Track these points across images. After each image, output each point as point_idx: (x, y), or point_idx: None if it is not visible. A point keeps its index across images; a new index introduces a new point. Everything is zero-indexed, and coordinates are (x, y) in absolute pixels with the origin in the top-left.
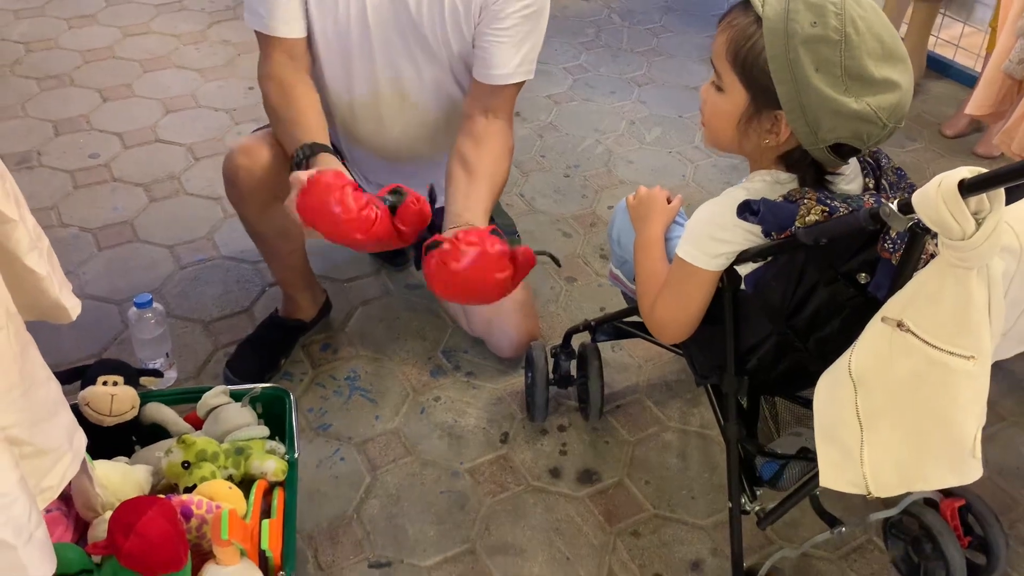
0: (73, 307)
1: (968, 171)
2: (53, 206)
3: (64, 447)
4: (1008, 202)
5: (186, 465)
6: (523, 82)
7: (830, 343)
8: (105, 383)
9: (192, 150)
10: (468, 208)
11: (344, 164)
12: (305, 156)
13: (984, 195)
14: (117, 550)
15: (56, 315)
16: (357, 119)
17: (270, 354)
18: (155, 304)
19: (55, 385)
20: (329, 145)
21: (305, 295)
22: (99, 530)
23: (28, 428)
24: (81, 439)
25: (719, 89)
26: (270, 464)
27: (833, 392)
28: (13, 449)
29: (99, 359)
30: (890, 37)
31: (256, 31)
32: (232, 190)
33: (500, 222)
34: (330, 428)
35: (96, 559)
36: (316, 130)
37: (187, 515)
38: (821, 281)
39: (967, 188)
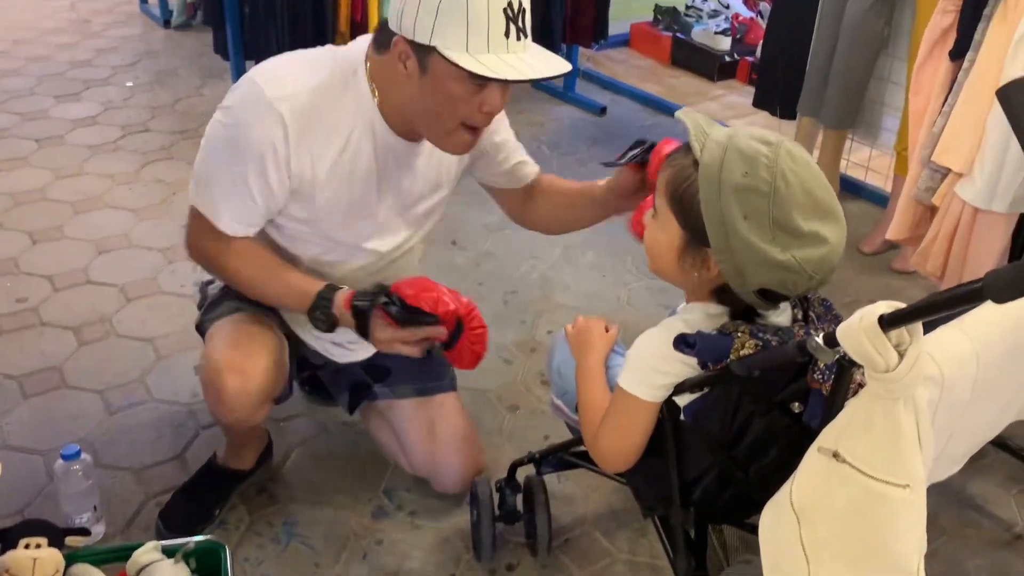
0: None
1: (886, 306)
2: None
3: None
4: (926, 331)
5: None
6: None
7: (770, 472)
8: (28, 546)
9: (124, 291)
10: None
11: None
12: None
13: (904, 328)
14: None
15: None
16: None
17: (205, 504)
18: (83, 455)
19: None
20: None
21: (251, 447)
22: None
23: None
24: None
25: (656, 217)
26: None
27: (777, 525)
28: None
29: (22, 519)
30: (823, 192)
31: (202, 213)
32: (220, 407)
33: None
34: None
35: None
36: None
37: None
38: (757, 411)
39: (887, 323)
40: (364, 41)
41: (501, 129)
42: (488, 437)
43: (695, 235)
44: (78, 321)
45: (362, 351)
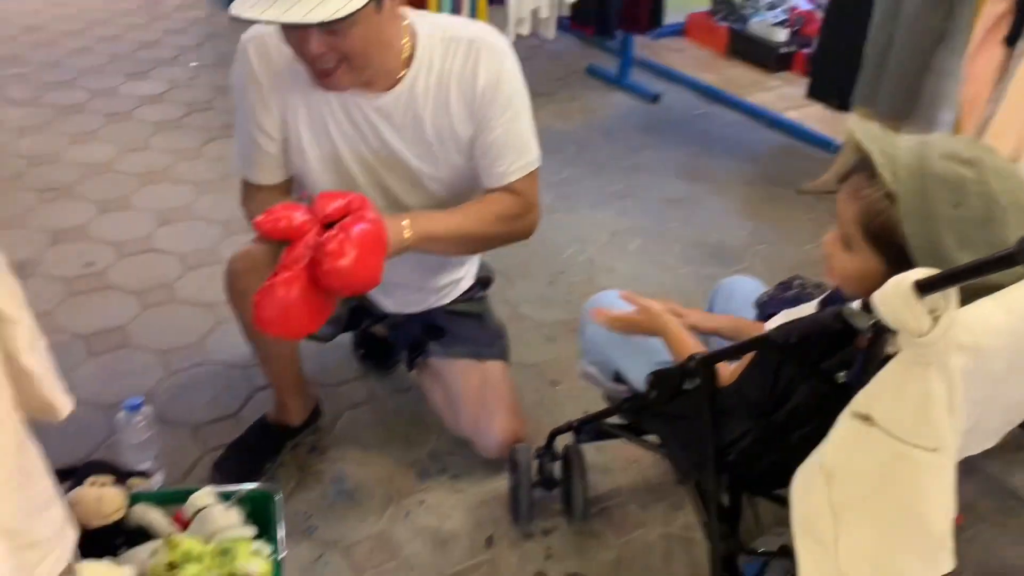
0: (63, 407)
1: (922, 272)
2: (48, 312)
3: (55, 541)
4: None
5: (172, 567)
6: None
7: (810, 440)
8: (94, 484)
9: (185, 259)
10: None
11: None
12: None
13: (939, 294)
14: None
15: (46, 414)
16: None
17: (257, 458)
18: (145, 407)
19: (49, 480)
20: None
21: (296, 400)
22: None
23: (23, 520)
24: (71, 534)
25: (848, 247)
26: (254, 566)
27: (807, 486)
28: (7, 540)
29: (89, 460)
30: None
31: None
32: (233, 292)
33: (492, 325)
34: (315, 531)
35: None
36: None
37: None
38: (798, 378)
39: (922, 288)
40: None
41: (497, 119)
42: (529, 409)
43: (900, 262)
44: (141, 286)
45: (412, 305)
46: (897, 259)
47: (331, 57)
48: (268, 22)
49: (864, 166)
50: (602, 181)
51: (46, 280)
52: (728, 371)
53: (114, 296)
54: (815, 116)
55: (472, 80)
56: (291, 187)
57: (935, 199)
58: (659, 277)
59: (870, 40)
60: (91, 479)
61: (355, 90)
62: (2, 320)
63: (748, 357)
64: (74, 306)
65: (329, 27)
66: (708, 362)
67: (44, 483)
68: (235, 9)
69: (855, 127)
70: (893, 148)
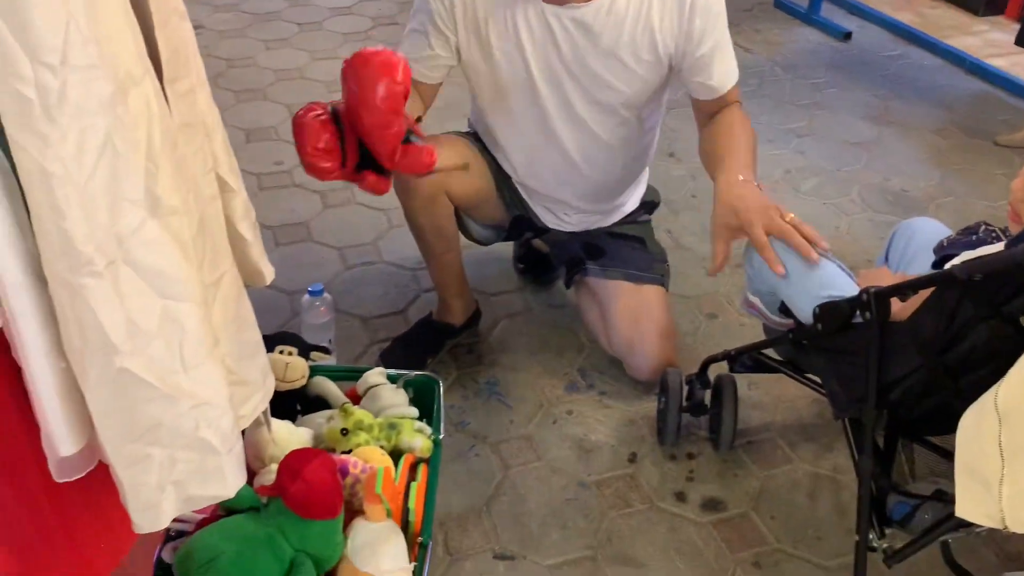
0: (269, 273)
1: None
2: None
3: (259, 383)
4: None
5: (344, 432)
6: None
7: (983, 386)
8: (282, 352)
9: None
10: (734, 163)
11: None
12: None
13: None
14: (284, 492)
15: (255, 279)
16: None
17: (419, 351)
18: (325, 293)
19: (258, 331)
20: None
21: (458, 301)
22: (264, 479)
23: (236, 360)
24: (271, 381)
25: None
26: (418, 441)
27: (977, 423)
28: (227, 375)
29: (278, 331)
30: None
31: None
32: (398, 180)
33: (653, 249)
34: (468, 425)
35: (263, 500)
36: None
37: (343, 472)
38: (977, 317)
39: None
40: None
41: (707, 36)
42: (683, 338)
43: None
44: (324, 187)
45: (574, 224)
46: None
47: None
48: None
49: None
50: (781, 117)
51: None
52: (899, 307)
53: (299, 194)
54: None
55: None
56: (436, 93)
57: None
58: (832, 220)
59: None
60: (279, 347)
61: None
62: (225, 189)
63: (924, 294)
64: (264, 200)
65: None
66: (882, 296)
67: (254, 333)
68: None
69: None
70: None
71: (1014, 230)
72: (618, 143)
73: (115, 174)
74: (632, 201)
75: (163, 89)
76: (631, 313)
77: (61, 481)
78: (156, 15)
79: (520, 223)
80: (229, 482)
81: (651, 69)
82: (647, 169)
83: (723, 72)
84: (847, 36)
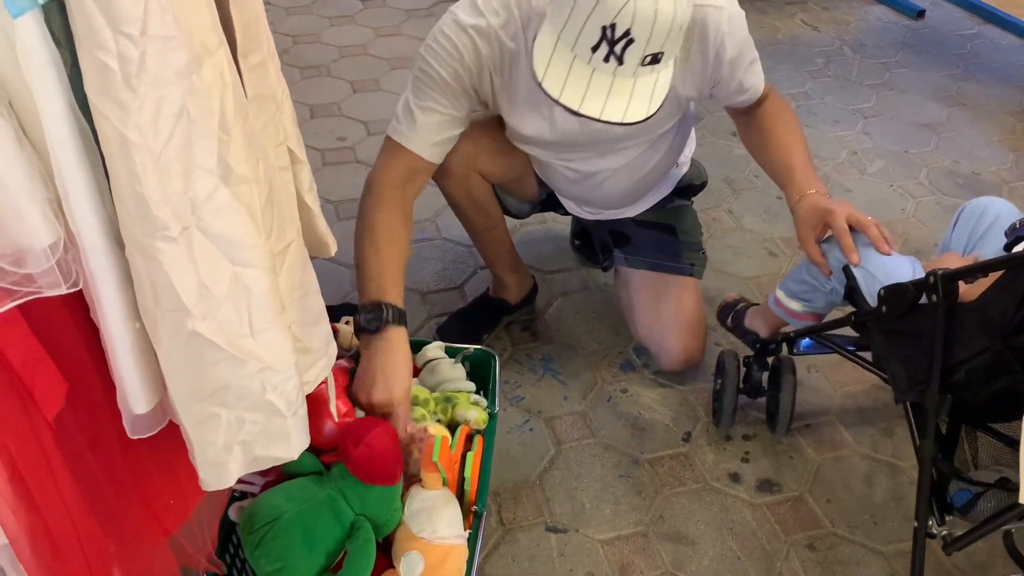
0: (333, 244)
1: None
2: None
3: (322, 351)
4: None
5: None
6: None
7: None
8: (347, 322)
9: None
10: (803, 176)
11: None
12: (377, 322)
13: None
14: (347, 456)
15: (319, 250)
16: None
17: (475, 327)
18: None
19: (321, 300)
20: (400, 307)
21: (511, 277)
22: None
23: (301, 327)
24: (334, 349)
25: None
26: (473, 413)
27: None
28: (293, 340)
29: (342, 303)
30: None
31: (391, 139)
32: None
33: (685, 237)
34: (522, 400)
35: (326, 466)
36: (391, 286)
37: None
38: None
39: None
40: None
41: (736, 73)
42: None
43: None
44: None
45: (595, 215)
46: None
47: None
48: (588, 117)
49: None
50: (848, 97)
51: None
52: (967, 291)
53: (362, 170)
54: None
55: (702, 50)
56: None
57: None
58: (899, 203)
59: None
60: (345, 318)
61: None
62: (294, 161)
63: (994, 276)
64: (327, 174)
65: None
66: (949, 278)
67: (318, 301)
68: (545, 82)
69: None
70: None
71: None
72: (637, 162)
73: (189, 142)
74: (662, 191)
75: (236, 62)
76: (653, 304)
77: (135, 438)
78: None
79: (553, 200)
80: (293, 444)
81: (670, 112)
82: (689, 152)
83: (755, 81)
84: (920, 14)
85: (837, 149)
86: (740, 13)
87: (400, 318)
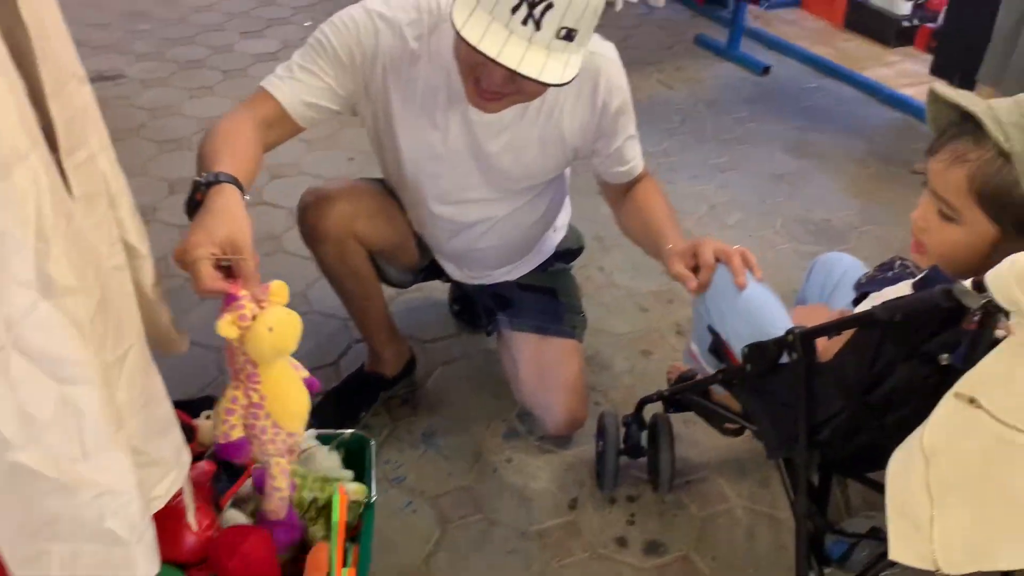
0: (184, 339)
1: None
2: (163, 257)
3: (173, 461)
4: None
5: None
6: None
7: (910, 423)
8: (208, 417)
9: (293, 213)
10: (676, 235)
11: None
12: (207, 183)
13: None
14: (220, 569)
15: (168, 346)
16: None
17: (352, 406)
18: None
19: (170, 405)
20: (238, 179)
21: (389, 349)
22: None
23: (145, 439)
24: (187, 457)
25: (949, 219)
26: (351, 486)
27: (905, 465)
28: (133, 456)
29: (203, 395)
30: None
31: (262, 86)
32: (304, 227)
33: (566, 299)
34: (404, 480)
35: None
36: (233, 166)
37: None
38: (899, 358)
39: None
40: None
41: (620, 130)
42: (618, 378)
43: (1017, 229)
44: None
45: (478, 279)
46: (1014, 222)
47: (507, 88)
48: (504, 66)
49: (963, 131)
50: (704, 153)
51: (163, 227)
52: (825, 347)
53: None
54: None
55: (592, 94)
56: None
57: None
58: (758, 252)
59: (1001, 14)
60: (205, 413)
61: None
62: (133, 255)
63: (848, 334)
64: None
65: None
66: (807, 337)
67: (166, 408)
68: (471, 38)
69: (943, 91)
70: (991, 109)
71: (918, 261)
72: (517, 217)
73: (1, 255)
74: (542, 254)
75: (59, 160)
76: (537, 367)
77: None
78: (50, 83)
79: (434, 268)
80: (140, 572)
81: (557, 161)
82: (565, 218)
83: (634, 156)
84: (766, 70)
85: (697, 203)
86: (624, 75)
87: (235, 181)
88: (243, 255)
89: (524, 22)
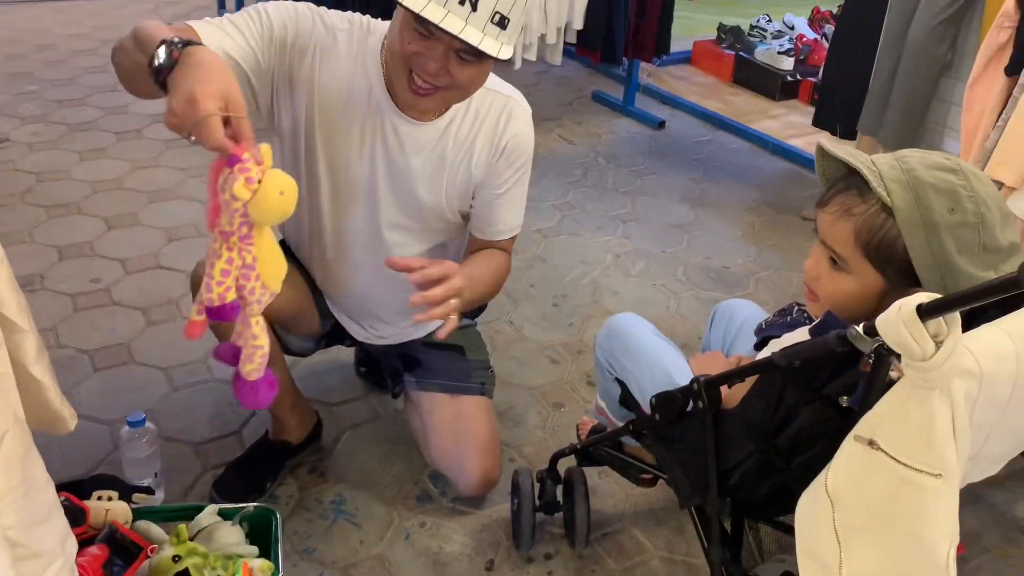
0: (71, 416)
1: (925, 296)
2: (52, 328)
3: (57, 551)
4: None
5: (176, 559)
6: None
7: (813, 466)
8: (100, 498)
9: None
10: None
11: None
12: (173, 48)
13: (942, 318)
14: None
15: (55, 425)
16: (333, 258)
17: (257, 476)
18: (148, 423)
19: (52, 490)
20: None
21: (292, 416)
22: None
23: (25, 530)
24: (72, 545)
25: (839, 269)
26: (256, 563)
27: (812, 508)
28: (10, 551)
29: (95, 474)
30: (1003, 201)
31: (187, 23)
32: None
33: (473, 357)
34: (314, 552)
35: None
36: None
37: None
38: (801, 402)
39: (925, 312)
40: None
41: (507, 180)
42: (532, 431)
43: (901, 277)
44: (147, 303)
45: (383, 338)
46: (898, 273)
47: (441, 79)
48: (445, 32)
49: (849, 184)
50: (606, 205)
51: (52, 296)
52: (729, 394)
53: (119, 312)
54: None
55: (500, 133)
56: None
57: (932, 207)
58: (662, 300)
59: (876, 69)
60: (97, 493)
61: (400, 112)
62: (12, 331)
63: (751, 380)
64: (79, 322)
65: (479, 58)
66: (711, 385)
67: (47, 494)
68: (415, 6)
69: (830, 147)
70: (874, 164)
71: (811, 309)
72: (427, 257)
73: None
74: None
75: None
76: (448, 427)
77: None
78: None
79: (337, 332)
80: None
81: (460, 194)
82: None
83: (509, 220)
84: (661, 124)
85: (602, 254)
86: (533, 137)
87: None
88: (241, 113)
89: (461, 2)
